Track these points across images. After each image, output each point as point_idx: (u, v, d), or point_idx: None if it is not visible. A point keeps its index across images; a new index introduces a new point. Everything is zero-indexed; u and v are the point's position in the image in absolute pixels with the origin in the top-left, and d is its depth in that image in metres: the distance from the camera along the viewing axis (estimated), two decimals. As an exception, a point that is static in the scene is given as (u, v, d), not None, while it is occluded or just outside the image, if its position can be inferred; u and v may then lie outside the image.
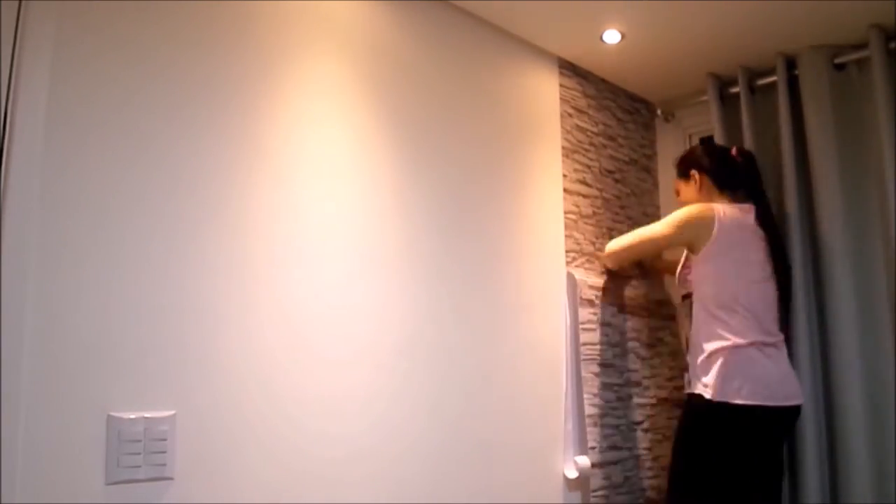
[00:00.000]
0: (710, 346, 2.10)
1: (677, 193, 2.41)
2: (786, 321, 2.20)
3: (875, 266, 2.36)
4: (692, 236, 2.18)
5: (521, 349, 2.21)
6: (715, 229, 2.12)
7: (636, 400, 2.57)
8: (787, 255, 2.24)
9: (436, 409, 1.95)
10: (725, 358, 2.05)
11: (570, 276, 2.40)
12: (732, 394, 2.00)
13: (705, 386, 2.06)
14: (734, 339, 2.06)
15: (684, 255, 2.32)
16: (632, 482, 2.48)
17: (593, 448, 2.36)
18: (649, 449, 2.58)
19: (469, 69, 2.21)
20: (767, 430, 2.06)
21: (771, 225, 2.22)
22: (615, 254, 2.45)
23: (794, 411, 2.08)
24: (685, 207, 2.24)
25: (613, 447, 2.44)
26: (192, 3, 1.58)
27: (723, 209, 2.17)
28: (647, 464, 2.56)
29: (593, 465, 2.33)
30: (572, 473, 2.26)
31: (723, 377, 2.02)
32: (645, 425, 2.58)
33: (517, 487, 2.12)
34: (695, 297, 2.22)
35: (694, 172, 2.31)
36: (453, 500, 1.94)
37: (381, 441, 1.80)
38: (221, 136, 1.60)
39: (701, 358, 2.11)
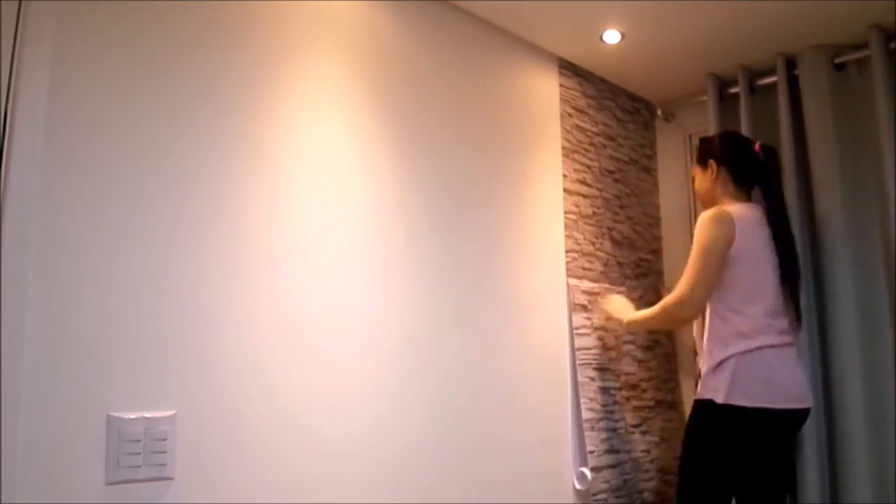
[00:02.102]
0: (721, 353, 2.06)
1: (693, 180, 2.36)
2: (798, 321, 2.17)
3: (875, 266, 2.36)
4: (722, 242, 2.06)
5: (521, 348, 2.21)
6: (736, 232, 2.06)
7: (633, 403, 2.57)
8: (797, 255, 2.19)
9: (435, 408, 1.95)
10: (737, 362, 2.01)
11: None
12: (742, 397, 1.98)
13: (715, 390, 2.03)
14: (746, 344, 2.02)
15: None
16: (630, 485, 2.48)
17: (592, 452, 2.36)
18: (647, 452, 2.58)
19: (469, 69, 2.21)
20: (777, 432, 2.04)
21: (782, 225, 2.16)
22: (689, 312, 2.15)
23: (804, 414, 2.06)
24: (701, 225, 2.10)
25: (611, 451, 2.44)
26: (192, 3, 1.58)
27: (736, 212, 2.10)
28: (645, 466, 2.56)
29: (591, 469, 2.34)
30: (581, 484, 2.28)
31: (733, 381, 1.99)
32: (643, 428, 2.58)
33: (517, 487, 2.12)
34: (708, 301, 2.16)
35: (712, 162, 2.24)
36: (453, 500, 1.94)
37: (381, 441, 1.80)
38: (221, 135, 1.60)
39: (712, 363, 2.08)
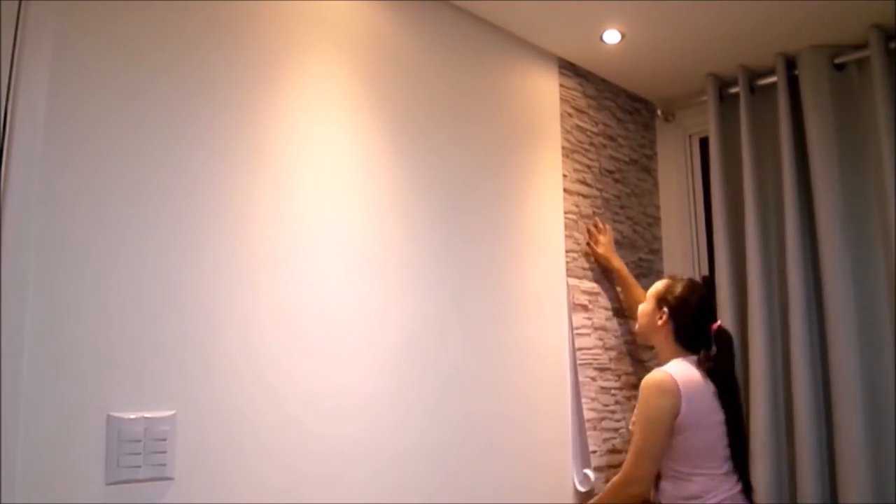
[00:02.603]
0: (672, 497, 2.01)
1: (643, 303, 2.27)
2: (747, 490, 2.04)
3: (875, 266, 2.36)
4: (669, 424, 1.97)
5: (522, 349, 2.21)
6: (682, 402, 1.96)
7: (634, 403, 2.56)
8: (740, 415, 2.08)
9: (436, 409, 1.95)
10: None
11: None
12: None
13: None
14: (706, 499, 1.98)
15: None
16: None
17: (594, 452, 2.36)
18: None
19: (469, 69, 2.21)
20: None
21: (730, 389, 2.06)
22: (638, 489, 2.04)
23: None
24: (646, 393, 2.01)
25: (613, 451, 2.44)
26: (192, 3, 1.58)
27: (681, 377, 1.99)
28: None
29: (594, 469, 2.34)
30: (584, 486, 2.29)
31: None
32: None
33: (518, 488, 2.12)
34: (662, 469, 2.05)
35: (666, 311, 2.13)
36: (454, 500, 1.94)
37: (381, 441, 1.80)
38: (221, 136, 1.60)
39: None
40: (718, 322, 2.19)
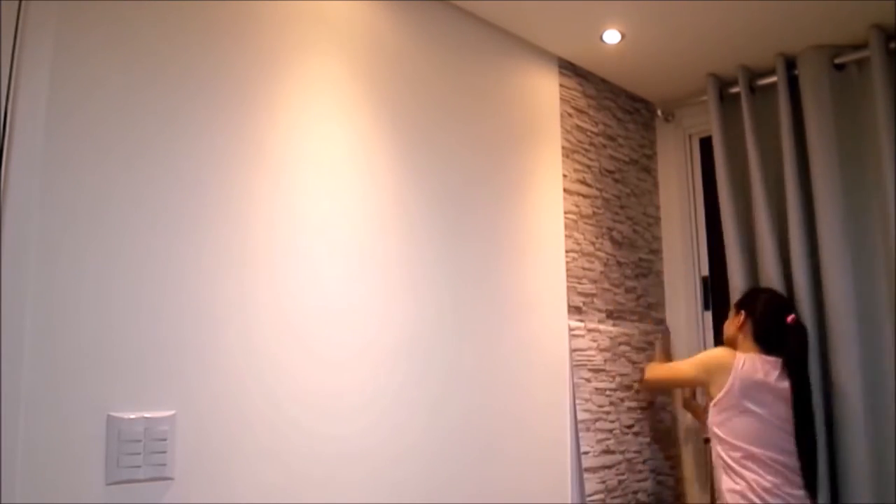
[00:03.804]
0: (729, 495, 2.13)
1: (727, 316, 2.46)
2: (811, 472, 2.17)
3: (875, 265, 2.36)
4: (708, 379, 2.24)
5: (522, 349, 2.21)
6: (730, 379, 2.17)
7: (627, 404, 2.57)
8: (812, 420, 2.22)
9: (436, 409, 1.95)
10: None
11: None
12: None
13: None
14: (749, 489, 2.08)
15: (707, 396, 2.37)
16: (625, 486, 2.48)
17: (587, 453, 2.36)
18: (639, 452, 2.58)
19: (469, 69, 2.21)
20: None
21: (802, 388, 2.20)
22: (649, 382, 2.53)
23: None
24: (712, 350, 2.34)
25: (607, 451, 2.44)
26: (191, 3, 1.58)
27: (745, 360, 2.20)
28: (639, 467, 2.56)
29: (587, 470, 2.34)
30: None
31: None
32: (636, 429, 2.58)
33: (516, 488, 2.12)
34: (711, 444, 2.24)
35: (743, 312, 2.34)
36: (453, 501, 1.94)
37: (381, 441, 1.80)
38: (221, 136, 1.60)
39: None
40: (793, 315, 2.29)
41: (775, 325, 2.28)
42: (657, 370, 2.53)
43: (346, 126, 1.85)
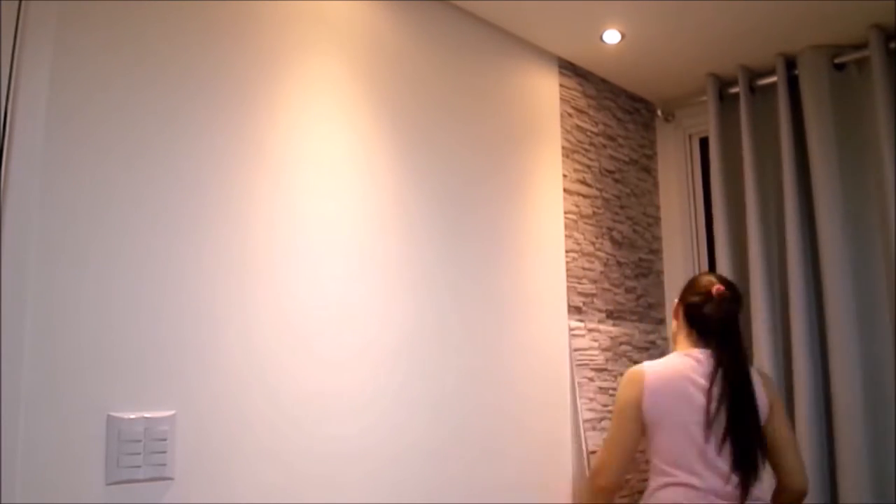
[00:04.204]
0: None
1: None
2: (744, 480, 1.87)
3: (875, 266, 2.36)
4: (632, 415, 1.95)
5: (522, 349, 2.21)
6: (645, 394, 1.92)
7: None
8: (742, 409, 1.90)
9: (436, 409, 1.95)
10: None
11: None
12: None
13: None
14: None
15: None
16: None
17: (594, 452, 2.36)
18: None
19: (469, 69, 2.21)
20: None
21: (733, 376, 1.91)
22: (604, 479, 2.01)
23: None
24: (619, 391, 2.01)
25: (612, 448, 2.44)
26: (191, 3, 1.58)
27: (656, 368, 1.95)
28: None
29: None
30: None
31: None
32: (643, 426, 2.58)
33: (517, 488, 2.13)
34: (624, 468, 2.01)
35: (675, 300, 2.15)
36: (453, 501, 1.94)
37: (381, 441, 1.80)
38: (221, 135, 1.60)
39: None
40: (719, 286, 2.02)
41: (702, 300, 2.01)
42: (597, 460, 2.05)
43: (346, 126, 1.85)
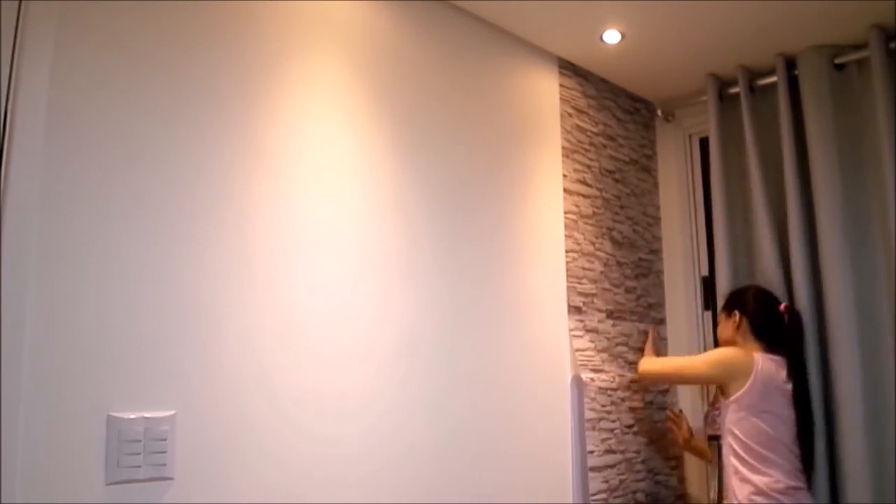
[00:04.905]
0: (743, 494, 2.12)
1: (717, 324, 2.45)
2: (810, 468, 2.23)
3: (875, 265, 2.35)
4: (728, 378, 2.21)
5: (522, 349, 2.21)
6: (751, 378, 2.16)
7: (628, 404, 2.57)
8: (811, 412, 2.27)
9: (436, 409, 1.95)
10: None
11: (577, 379, 2.37)
12: None
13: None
14: (766, 489, 2.08)
15: (714, 394, 2.37)
16: (626, 485, 2.48)
17: (592, 452, 2.36)
18: (637, 452, 2.58)
19: (469, 69, 2.21)
20: None
21: (802, 382, 2.25)
22: (649, 375, 2.47)
23: None
24: (726, 349, 2.28)
25: (609, 451, 2.44)
26: (191, 3, 1.58)
27: (762, 360, 2.20)
28: (637, 467, 2.56)
29: (592, 469, 2.34)
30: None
31: None
32: (635, 429, 2.59)
33: (517, 488, 2.12)
34: (724, 442, 2.22)
35: (737, 313, 2.33)
36: (454, 501, 1.94)
37: (381, 441, 1.80)
38: (222, 136, 1.60)
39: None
40: (784, 304, 2.32)
41: (772, 316, 2.30)
42: (658, 363, 2.47)
43: (346, 126, 1.85)
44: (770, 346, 2.27)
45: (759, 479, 2.09)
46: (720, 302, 2.50)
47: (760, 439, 2.12)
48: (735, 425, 2.17)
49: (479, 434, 2.05)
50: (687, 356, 2.37)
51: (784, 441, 2.14)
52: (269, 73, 1.70)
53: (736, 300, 2.37)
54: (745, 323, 2.31)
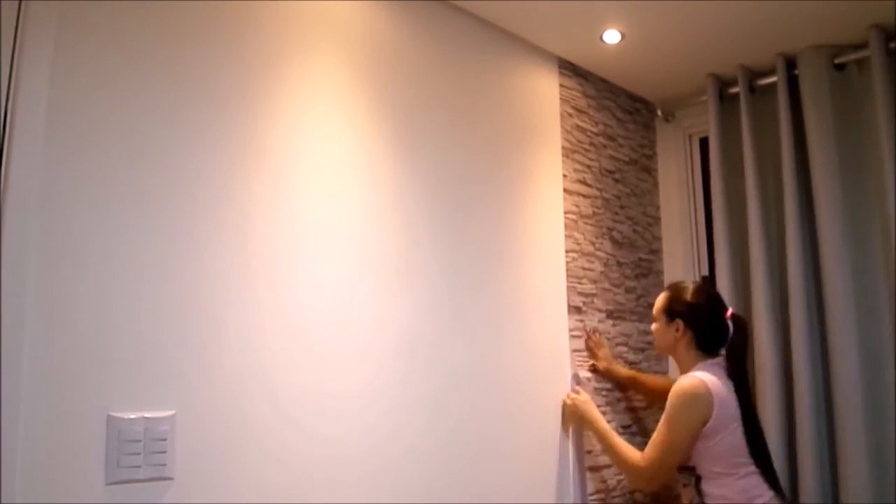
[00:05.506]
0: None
1: (653, 321, 2.22)
2: (766, 458, 2.06)
3: (875, 266, 2.36)
4: (697, 421, 1.99)
5: (521, 349, 2.21)
6: (714, 411, 1.98)
7: (625, 404, 2.57)
8: (756, 415, 2.11)
9: (436, 409, 1.95)
10: None
11: (576, 377, 2.36)
12: None
13: None
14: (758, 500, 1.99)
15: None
16: (623, 486, 2.48)
17: (590, 452, 2.36)
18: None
19: (469, 69, 2.21)
20: None
21: (747, 399, 2.06)
22: (658, 471, 2.06)
23: None
24: (680, 399, 2.01)
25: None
26: (192, 3, 1.58)
27: (712, 385, 2.00)
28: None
29: (590, 469, 2.34)
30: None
31: None
32: (633, 429, 2.58)
33: (517, 488, 2.12)
34: (701, 472, 2.07)
35: (680, 322, 2.12)
36: (454, 501, 1.94)
37: (381, 441, 1.80)
38: (221, 136, 1.60)
39: None
40: (730, 310, 2.15)
41: (718, 328, 2.10)
42: (656, 458, 2.05)
43: (346, 126, 1.85)
44: (709, 353, 2.11)
45: (731, 487, 2.00)
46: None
47: (734, 452, 2.00)
48: (704, 452, 2.03)
49: (478, 434, 2.05)
50: (658, 430, 2.05)
51: (744, 449, 2.01)
52: (269, 73, 1.70)
53: (680, 307, 2.13)
54: (688, 335, 2.11)
